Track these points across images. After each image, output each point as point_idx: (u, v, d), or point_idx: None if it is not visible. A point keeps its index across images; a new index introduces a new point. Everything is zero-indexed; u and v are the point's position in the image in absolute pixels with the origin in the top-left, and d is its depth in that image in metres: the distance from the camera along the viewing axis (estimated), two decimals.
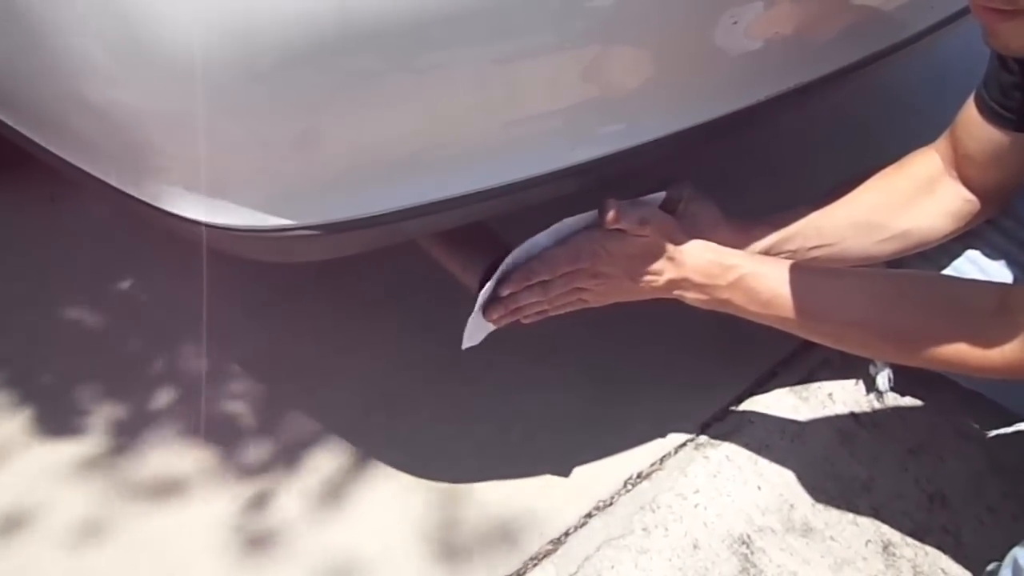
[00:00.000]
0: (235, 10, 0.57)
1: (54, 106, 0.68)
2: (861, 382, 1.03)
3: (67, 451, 0.94)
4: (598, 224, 0.77)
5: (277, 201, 0.64)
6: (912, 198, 0.84)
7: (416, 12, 0.59)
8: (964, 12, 0.97)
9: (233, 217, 0.64)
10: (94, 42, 0.60)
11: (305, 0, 0.57)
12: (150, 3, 0.56)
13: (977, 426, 1.00)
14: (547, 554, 0.87)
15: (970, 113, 0.79)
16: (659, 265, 0.79)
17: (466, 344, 0.81)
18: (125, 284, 1.14)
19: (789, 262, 0.77)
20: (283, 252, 0.70)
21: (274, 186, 0.64)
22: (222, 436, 0.96)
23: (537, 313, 0.82)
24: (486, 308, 0.78)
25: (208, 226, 0.64)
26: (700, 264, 0.78)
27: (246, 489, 0.91)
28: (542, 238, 0.77)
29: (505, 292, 0.77)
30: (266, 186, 0.64)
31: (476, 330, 0.81)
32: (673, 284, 0.79)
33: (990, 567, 0.75)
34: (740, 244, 0.83)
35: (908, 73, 1.63)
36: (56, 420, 0.98)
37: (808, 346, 1.05)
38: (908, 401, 1.02)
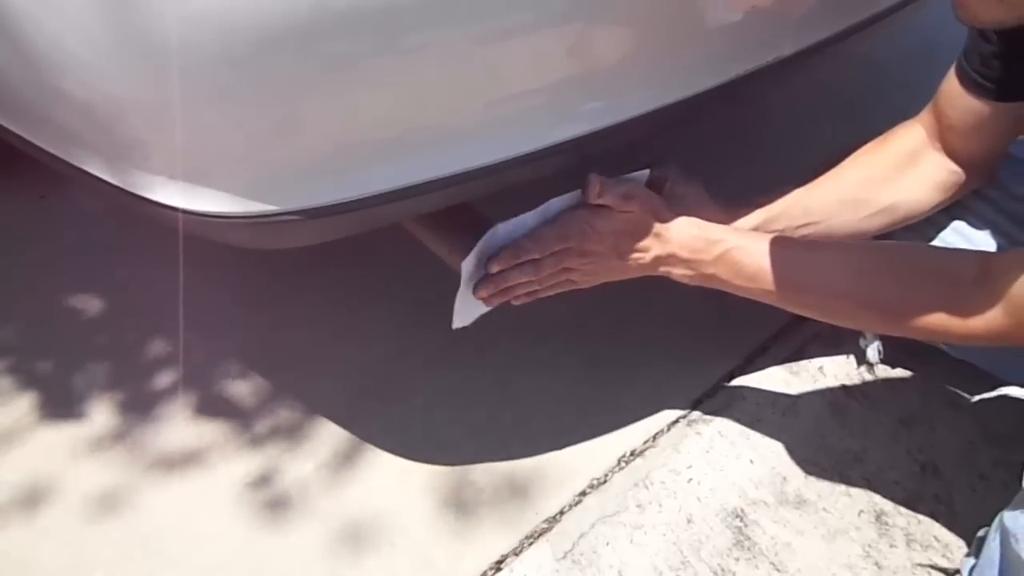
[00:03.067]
0: None
1: (35, 98, 0.68)
2: (851, 355, 1.04)
3: (74, 431, 0.96)
4: (583, 201, 0.78)
5: (258, 187, 0.64)
6: (897, 172, 0.84)
7: None
8: None
9: (215, 204, 0.64)
10: (72, 32, 0.59)
11: None
12: None
13: (967, 395, 1.00)
14: (542, 532, 0.87)
15: (952, 84, 0.79)
16: (645, 242, 0.79)
17: (456, 324, 0.82)
18: (118, 275, 1.15)
19: (773, 236, 0.77)
20: (266, 238, 0.70)
21: (255, 172, 0.64)
22: (213, 426, 0.97)
23: (527, 294, 0.82)
24: (476, 286, 0.79)
25: (190, 213, 0.65)
26: (685, 239, 0.78)
27: (235, 481, 0.92)
28: (529, 217, 0.77)
29: (495, 269, 0.77)
30: (247, 172, 0.64)
31: (466, 310, 0.81)
32: (660, 261, 0.80)
33: (980, 532, 0.75)
34: (727, 224, 0.83)
35: (893, 47, 1.63)
36: (62, 402, 1.00)
37: (798, 321, 1.05)
38: (898, 372, 1.03)
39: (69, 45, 0.61)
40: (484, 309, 0.83)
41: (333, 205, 0.66)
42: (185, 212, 0.64)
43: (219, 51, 0.59)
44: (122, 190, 0.67)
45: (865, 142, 0.87)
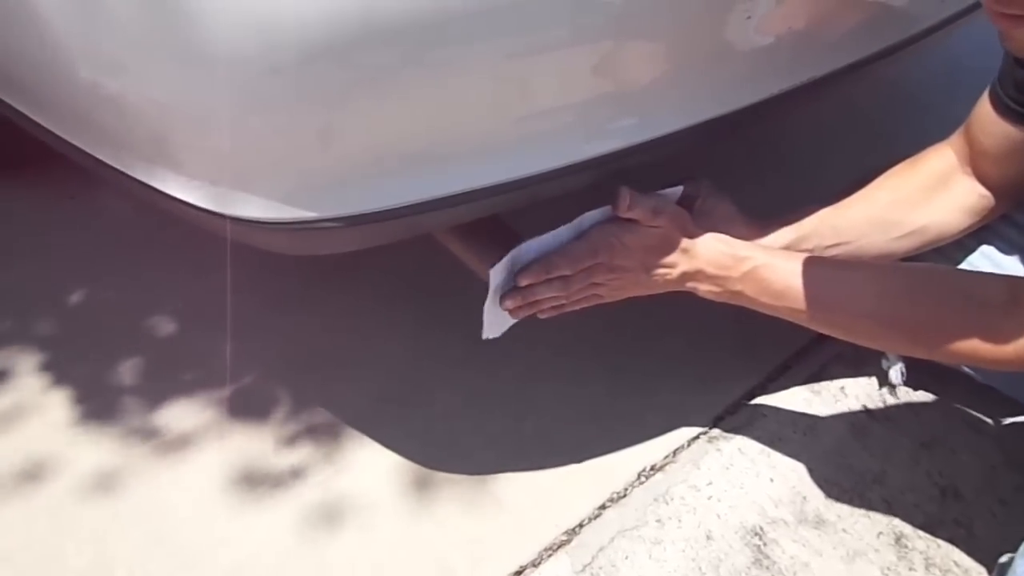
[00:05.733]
0: (259, 6, 0.58)
1: (80, 101, 0.69)
2: (874, 376, 1.04)
3: (98, 426, 0.97)
4: (613, 215, 0.78)
5: (299, 194, 0.65)
6: (927, 194, 0.84)
7: (434, 9, 0.60)
8: (975, 7, 0.97)
9: (257, 210, 0.65)
10: (121, 37, 0.61)
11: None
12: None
13: (990, 420, 1.01)
14: (562, 544, 0.88)
15: (984, 109, 0.79)
16: (673, 257, 0.79)
17: (487, 335, 0.82)
18: (143, 278, 1.16)
19: (801, 255, 0.77)
20: (305, 244, 0.71)
21: (296, 179, 0.65)
22: (234, 427, 0.98)
23: (553, 308, 0.82)
24: (503, 298, 0.79)
25: (232, 219, 0.66)
26: (713, 256, 0.79)
27: (257, 486, 0.92)
28: (561, 232, 0.78)
29: (524, 283, 0.77)
30: (289, 179, 0.65)
31: (495, 321, 0.82)
32: (687, 276, 0.80)
33: (1003, 559, 0.75)
34: (756, 242, 0.84)
35: (917, 69, 1.63)
36: (87, 397, 1.01)
37: (821, 340, 1.05)
38: (921, 395, 1.03)
39: (119, 50, 0.62)
40: (512, 321, 0.83)
41: (372, 213, 0.67)
42: (227, 217, 0.65)
43: (265, 60, 0.60)
44: (164, 194, 0.68)
45: (894, 164, 0.88)
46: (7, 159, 1.26)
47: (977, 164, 0.83)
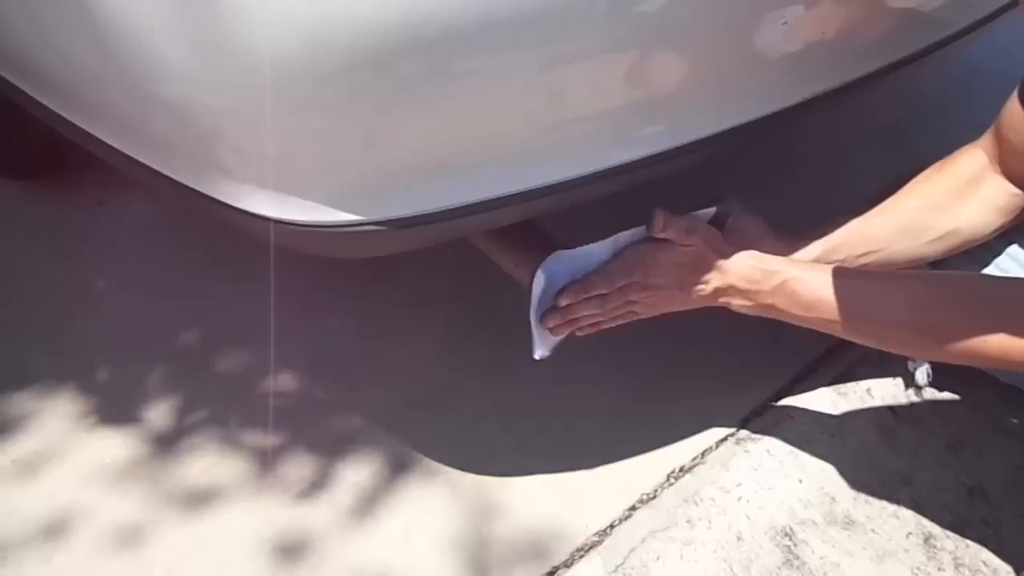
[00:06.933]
0: (306, 15, 0.59)
1: (128, 104, 0.70)
2: (899, 377, 1.04)
3: (111, 454, 0.95)
4: (648, 236, 0.80)
5: (344, 197, 0.66)
6: (958, 196, 0.85)
7: (473, 20, 0.61)
8: (1001, 11, 0.98)
9: (302, 213, 0.66)
10: (171, 41, 0.62)
11: (372, 7, 0.59)
12: (227, 6, 0.58)
13: (1016, 421, 1.01)
14: (593, 546, 0.88)
15: (1014, 108, 0.80)
16: (706, 274, 0.81)
17: (537, 354, 0.84)
18: (172, 285, 1.16)
19: (831, 266, 0.78)
20: (347, 248, 0.72)
21: (341, 183, 0.66)
22: (264, 434, 0.98)
23: (591, 325, 0.84)
24: (544, 317, 0.81)
25: (277, 222, 0.66)
26: (744, 271, 0.80)
27: (290, 489, 0.93)
28: (594, 248, 0.80)
29: (563, 303, 0.80)
30: (333, 183, 0.66)
31: (542, 340, 0.84)
32: (719, 292, 0.82)
33: None
34: (787, 256, 0.85)
35: (935, 74, 1.64)
36: (104, 421, 0.99)
37: (846, 342, 1.05)
38: (946, 396, 1.03)
39: (169, 55, 0.63)
40: (558, 338, 0.85)
41: (413, 217, 0.68)
42: (271, 220, 0.66)
43: (312, 67, 0.61)
44: (209, 198, 0.69)
45: (918, 170, 0.88)
46: (33, 167, 1.26)
47: (1007, 162, 0.83)
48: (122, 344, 1.08)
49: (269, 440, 0.97)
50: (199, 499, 0.91)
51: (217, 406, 1.01)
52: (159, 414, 1.00)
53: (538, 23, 0.63)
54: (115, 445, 0.96)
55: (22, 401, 1.00)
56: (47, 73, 0.79)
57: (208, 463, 0.94)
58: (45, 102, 0.81)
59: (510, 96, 0.67)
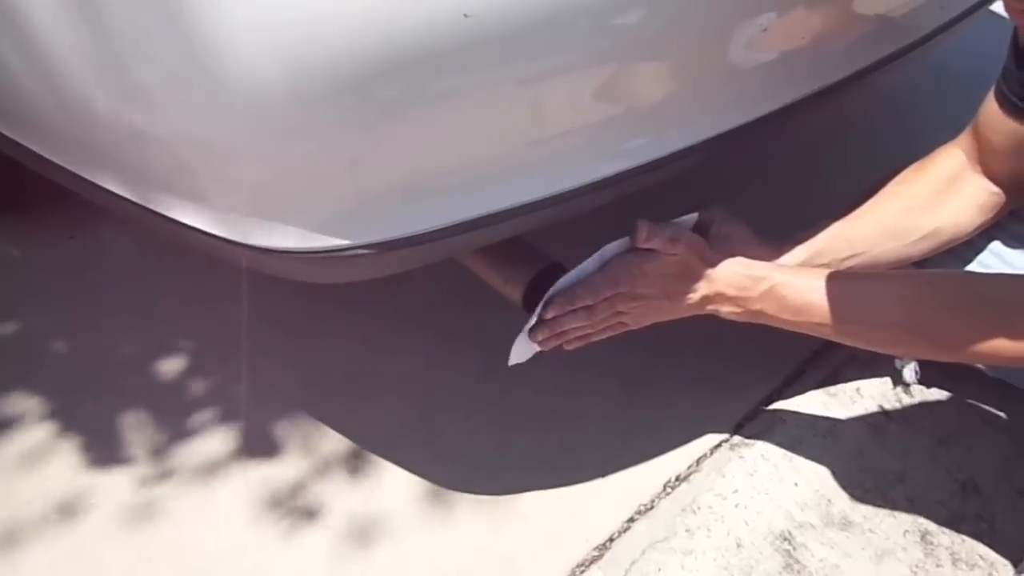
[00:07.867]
0: (289, 40, 0.58)
1: (103, 136, 0.68)
2: (888, 376, 1.05)
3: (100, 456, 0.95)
4: (632, 246, 0.80)
5: (331, 222, 0.65)
6: (938, 197, 0.86)
7: (453, 43, 0.61)
8: (970, 11, 0.99)
9: (287, 240, 0.65)
10: (148, 69, 0.60)
11: (354, 31, 0.58)
12: (205, 31, 0.57)
13: (1003, 413, 1.02)
14: (594, 560, 0.87)
15: (991, 108, 0.81)
16: (693, 283, 0.81)
17: (512, 361, 0.83)
18: (150, 312, 1.14)
19: (818, 270, 0.79)
20: (335, 272, 0.71)
21: (327, 208, 0.65)
22: (253, 461, 0.96)
23: (579, 338, 0.83)
24: (531, 330, 0.81)
25: (260, 249, 0.65)
26: (731, 278, 0.80)
27: (282, 516, 0.91)
28: (588, 264, 0.79)
29: (549, 315, 0.79)
30: (319, 208, 0.65)
31: (522, 349, 0.83)
32: (707, 300, 0.82)
33: None
34: (773, 262, 0.85)
35: (904, 75, 1.66)
36: (99, 435, 0.98)
37: (834, 344, 1.06)
38: (935, 392, 1.04)
39: (146, 82, 0.61)
40: (537, 348, 0.84)
41: (401, 239, 0.67)
42: (256, 249, 0.65)
43: (295, 92, 0.60)
44: (188, 227, 0.67)
45: (897, 169, 0.89)
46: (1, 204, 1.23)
47: (986, 161, 0.84)
48: (104, 375, 1.05)
49: (259, 467, 0.96)
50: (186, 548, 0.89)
51: (204, 434, 0.99)
52: (142, 451, 0.97)
53: (517, 41, 0.63)
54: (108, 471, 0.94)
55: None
56: (20, 106, 0.77)
57: (194, 501, 0.92)
58: (21, 140, 0.79)
59: (494, 115, 0.67)
